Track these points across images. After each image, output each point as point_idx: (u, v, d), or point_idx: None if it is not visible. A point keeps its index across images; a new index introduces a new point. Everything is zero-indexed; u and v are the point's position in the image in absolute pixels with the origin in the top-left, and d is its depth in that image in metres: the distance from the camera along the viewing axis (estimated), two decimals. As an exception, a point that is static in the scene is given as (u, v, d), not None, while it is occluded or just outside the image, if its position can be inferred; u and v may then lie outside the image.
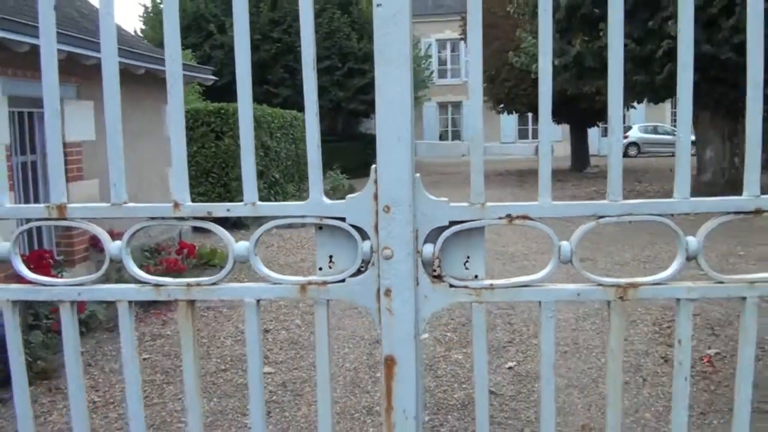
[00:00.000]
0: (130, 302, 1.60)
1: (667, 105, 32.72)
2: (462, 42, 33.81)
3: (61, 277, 4.64)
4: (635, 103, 18.67)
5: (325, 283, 1.56)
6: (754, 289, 1.55)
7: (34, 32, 5.66)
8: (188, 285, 1.59)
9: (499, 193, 17.14)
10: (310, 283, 1.57)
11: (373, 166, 1.48)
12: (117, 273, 5.10)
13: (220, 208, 1.56)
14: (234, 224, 9.92)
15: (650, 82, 12.59)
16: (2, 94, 5.96)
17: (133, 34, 14.64)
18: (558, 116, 24.03)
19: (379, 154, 1.47)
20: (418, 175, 1.50)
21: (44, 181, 6.92)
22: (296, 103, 19.31)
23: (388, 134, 1.46)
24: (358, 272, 1.54)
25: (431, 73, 31.95)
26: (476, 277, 1.54)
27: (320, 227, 1.55)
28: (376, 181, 1.48)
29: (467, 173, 1.54)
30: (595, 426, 3.98)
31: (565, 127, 27.21)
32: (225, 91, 16.21)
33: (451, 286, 1.53)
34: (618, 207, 1.49)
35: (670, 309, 5.79)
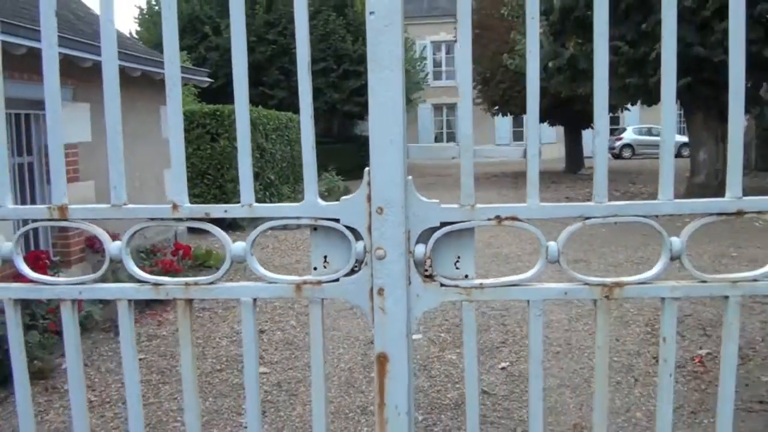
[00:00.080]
0: (129, 301, 1.64)
1: (661, 107, 32.87)
2: (457, 44, 33.88)
3: (58, 277, 4.68)
4: (629, 105, 18.75)
5: (319, 282, 1.60)
6: (736, 288, 1.59)
7: (31, 35, 5.70)
8: (186, 284, 1.63)
9: (493, 194, 17.19)
10: (305, 282, 1.61)
11: (367, 168, 1.52)
12: (113, 275, 5.14)
13: (218, 210, 1.61)
14: (229, 225, 9.96)
15: (644, 84, 12.66)
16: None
17: (128, 35, 14.66)
18: (552, 118, 24.16)
19: (372, 157, 1.51)
20: (410, 177, 1.54)
21: (41, 182, 6.94)
22: (291, 104, 19.35)
23: (381, 138, 1.51)
24: (352, 272, 1.58)
25: (426, 75, 32.01)
26: (466, 276, 1.58)
27: (315, 228, 1.60)
28: (369, 184, 1.52)
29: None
30: (586, 425, 4.02)
31: (560, 129, 27.34)
32: (220, 92, 16.27)
33: (442, 285, 1.58)
34: (604, 208, 1.54)
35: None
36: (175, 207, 1.60)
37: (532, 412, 1.64)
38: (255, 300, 1.62)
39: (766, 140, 20.35)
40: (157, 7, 24.11)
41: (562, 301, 5.69)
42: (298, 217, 1.59)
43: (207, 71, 12.39)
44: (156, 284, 1.64)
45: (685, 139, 22.75)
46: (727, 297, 1.59)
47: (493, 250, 9.67)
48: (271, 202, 13.19)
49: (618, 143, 32.06)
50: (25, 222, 1.71)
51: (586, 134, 26.60)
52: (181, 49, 19.00)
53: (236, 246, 1.59)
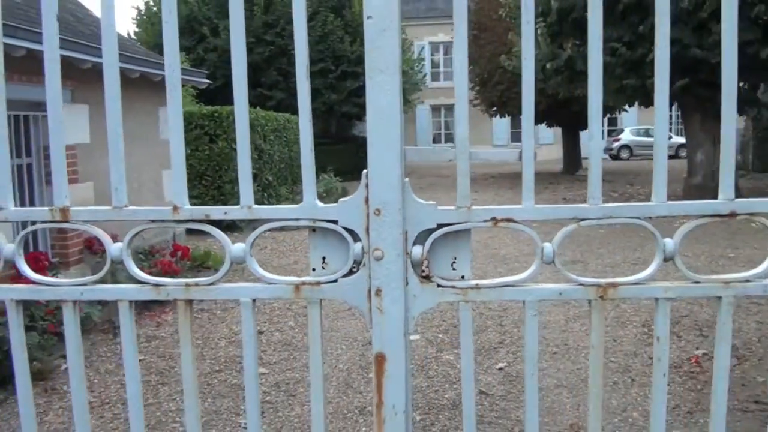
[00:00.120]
0: (130, 302, 1.66)
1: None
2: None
3: (57, 278, 4.69)
4: (627, 107, 18.79)
5: (318, 283, 1.62)
6: (729, 289, 1.61)
7: (30, 36, 5.72)
8: (187, 285, 1.65)
9: (490, 195, 17.22)
10: (303, 283, 1.63)
11: (364, 171, 1.54)
12: (112, 276, 5.16)
13: (218, 211, 1.63)
14: (228, 227, 9.97)
15: (641, 85, 12.70)
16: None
17: (126, 36, 14.67)
18: (550, 119, 24.21)
19: (370, 159, 1.53)
20: (407, 179, 1.56)
21: (39, 184, 6.96)
22: (289, 105, 19.37)
23: (379, 141, 1.53)
24: (350, 273, 1.60)
25: (424, 76, 32.04)
26: (463, 277, 1.61)
27: (314, 230, 1.62)
28: (367, 186, 1.54)
29: (460, 176, 1.61)
30: (583, 425, 4.05)
31: (557, 130, 27.39)
32: (218, 93, 16.32)
33: (439, 285, 1.60)
34: (598, 210, 1.56)
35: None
36: (175, 209, 1.62)
37: (528, 411, 1.66)
38: (254, 301, 1.64)
39: (763, 141, 20.40)
40: (155, 8, 24.14)
41: (557, 302, 5.72)
42: (296, 219, 1.61)
43: (205, 72, 12.42)
44: (156, 285, 1.65)
45: (682, 140, 22.81)
46: (720, 297, 1.61)
47: (491, 251, 9.70)
48: (269, 203, 13.25)
49: (616, 144, 32.13)
50: (25, 224, 1.73)
51: (584, 135, 26.63)
52: (180, 50, 18.95)
53: (236, 247, 1.61)
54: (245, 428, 4.10)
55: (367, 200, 1.55)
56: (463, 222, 1.57)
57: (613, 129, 33.61)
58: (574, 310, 6.31)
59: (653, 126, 1.63)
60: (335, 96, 23.36)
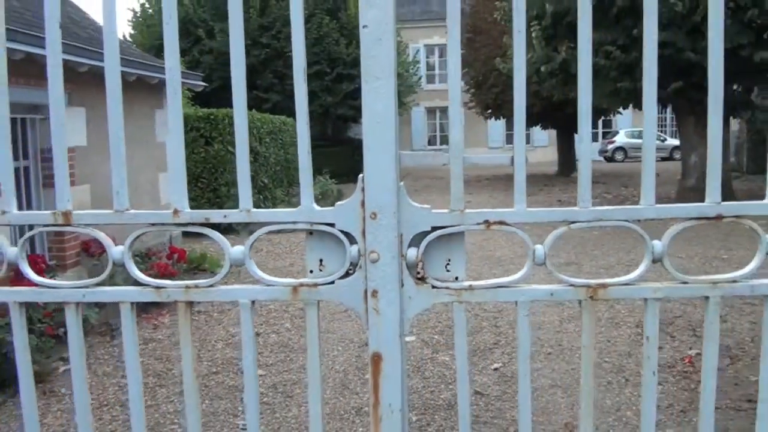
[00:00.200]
0: (132, 303, 1.69)
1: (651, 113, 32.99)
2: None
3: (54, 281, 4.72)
4: (621, 109, 18.86)
5: (315, 284, 1.66)
6: (716, 289, 1.66)
7: (28, 39, 5.74)
8: (187, 287, 1.69)
9: (485, 198, 17.26)
10: (301, 284, 1.67)
11: (361, 175, 1.58)
12: (109, 279, 5.18)
13: (218, 215, 1.66)
14: (224, 230, 9.95)
15: (635, 88, 12.75)
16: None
17: (122, 39, 14.71)
18: (545, 121, 24.27)
19: (366, 163, 1.57)
20: (402, 183, 1.60)
21: (36, 186, 6.99)
22: (286, 108, 19.39)
23: (374, 145, 1.57)
24: (347, 274, 1.64)
25: (419, 78, 32.11)
26: (457, 278, 1.65)
27: (311, 232, 1.66)
28: (363, 190, 1.58)
29: (454, 179, 1.65)
30: (577, 425, 4.08)
31: (552, 133, 27.46)
32: (214, 96, 16.30)
33: (434, 287, 1.64)
34: (588, 213, 1.60)
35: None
36: (176, 212, 1.66)
37: (521, 409, 1.70)
38: (253, 302, 1.68)
39: (757, 144, 20.48)
40: (150, 11, 24.16)
41: (549, 302, 5.76)
42: (294, 222, 1.64)
43: (201, 75, 12.44)
44: (157, 287, 1.69)
45: (677, 142, 22.91)
46: (707, 298, 1.66)
47: (486, 253, 9.75)
48: (265, 205, 13.27)
49: (610, 146, 32.23)
50: (25, 227, 1.75)
51: (578, 138, 26.72)
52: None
53: (235, 250, 1.65)
54: (243, 429, 4.13)
55: (363, 204, 1.59)
56: (456, 225, 1.61)
57: (607, 131, 33.71)
58: (569, 311, 6.36)
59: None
60: (331, 98, 23.40)
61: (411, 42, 33.83)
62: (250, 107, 16.90)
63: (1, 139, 1.69)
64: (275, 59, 22.43)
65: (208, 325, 6.48)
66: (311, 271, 1.68)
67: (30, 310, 5.08)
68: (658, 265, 1.64)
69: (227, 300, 1.72)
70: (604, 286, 1.63)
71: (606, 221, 1.62)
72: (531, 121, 23.77)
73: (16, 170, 6.71)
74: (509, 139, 35.61)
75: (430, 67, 36.89)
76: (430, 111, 36.52)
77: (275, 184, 15.14)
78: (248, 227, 1.60)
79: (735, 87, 13.98)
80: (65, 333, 5.47)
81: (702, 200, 1.64)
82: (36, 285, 1.72)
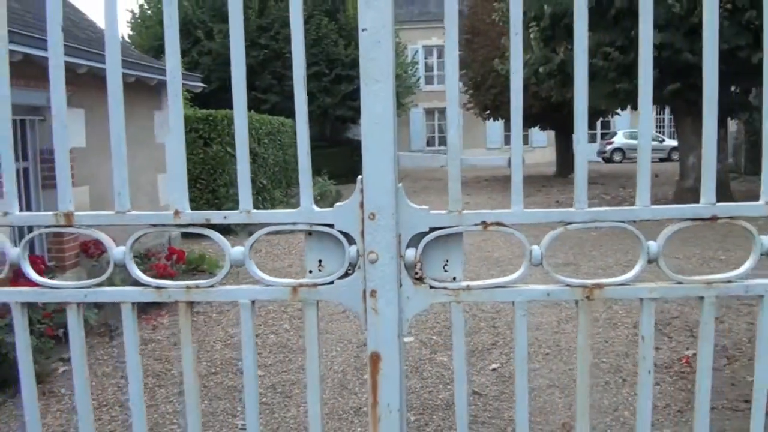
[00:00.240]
0: (133, 303, 1.71)
1: (651, 111, 33.05)
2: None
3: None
4: (619, 110, 18.89)
5: (315, 285, 1.68)
6: (711, 289, 1.68)
7: (26, 41, 5.76)
8: (188, 287, 1.70)
9: (483, 199, 17.28)
10: (301, 285, 1.68)
11: (359, 177, 1.60)
12: (107, 280, 5.19)
13: (218, 216, 1.68)
14: (222, 230, 9.98)
15: (634, 89, 12.75)
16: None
17: (120, 40, 14.69)
18: (543, 122, 24.31)
19: (365, 165, 1.59)
20: (400, 185, 1.62)
21: (36, 188, 7.00)
22: (284, 109, 19.40)
23: (373, 146, 1.59)
24: (346, 275, 1.66)
25: (418, 79, 32.12)
26: (454, 278, 1.66)
27: (310, 233, 1.68)
28: (362, 191, 1.60)
29: (452, 180, 1.67)
30: (575, 424, 4.11)
31: (551, 133, 27.48)
32: (212, 97, 16.31)
33: (432, 287, 1.65)
34: (584, 214, 1.62)
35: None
36: (177, 213, 1.67)
37: (519, 407, 1.72)
38: (254, 302, 1.70)
39: (755, 145, 20.51)
40: (149, 12, 24.17)
41: (545, 303, 5.78)
42: (294, 223, 1.66)
43: (200, 76, 12.45)
44: (158, 287, 1.71)
45: (675, 143, 22.94)
46: (702, 298, 1.68)
47: (484, 254, 9.77)
48: (263, 206, 13.28)
49: (609, 147, 32.26)
50: (25, 228, 1.77)
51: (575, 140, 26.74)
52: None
53: (235, 250, 1.66)
54: (242, 429, 4.15)
55: (362, 205, 1.61)
56: (454, 226, 1.63)
57: (606, 132, 33.74)
58: (567, 312, 6.38)
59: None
60: (329, 99, 23.41)
61: (409, 43, 33.85)
62: (248, 108, 17.01)
63: (3, 141, 1.71)
64: (274, 60, 22.44)
65: (206, 326, 6.50)
66: (310, 272, 1.69)
67: (29, 311, 5.10)
68: (654, 266, 1.66)
69: (228, 300, 1.74)
70: (600, 286, 1.65)
71: (602, 222, 1.64)
72: (529, 122, 23.80)
73: (16, 172, 6.72)
74: (508, 140, 35.53)
75: (428, 68, 36.92)
76: (429, 112, 36.55)
77: (274, 185, 15.15)
78: (246, 228, 1.62)
79: (733, 88, 14.01)
80: (64, 334, 5.50)
81: (699, 201, 1.66)
82: (38, 285, 1.73)
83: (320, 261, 1.69)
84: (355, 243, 1.63)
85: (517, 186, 1.63)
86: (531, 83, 15.18)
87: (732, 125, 20.10)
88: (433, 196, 17.13)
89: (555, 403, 4.46)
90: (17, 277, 1.75)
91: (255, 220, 1.67)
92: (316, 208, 1.65)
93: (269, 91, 22.54)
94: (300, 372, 5.13)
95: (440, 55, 36.55)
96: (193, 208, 1.69)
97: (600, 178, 22.07)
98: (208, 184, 12.41)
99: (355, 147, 23.10)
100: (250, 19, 22.17)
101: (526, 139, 33.48)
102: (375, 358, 1.66)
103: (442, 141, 36.37)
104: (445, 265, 1.66)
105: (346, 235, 1.63)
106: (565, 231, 1.63)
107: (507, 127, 34.79)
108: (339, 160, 21.83)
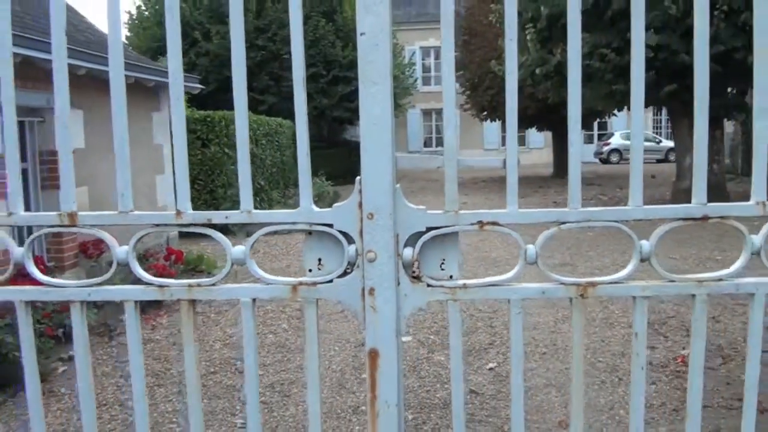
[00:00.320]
0: (136, 302, 1.74)
1: (648, 113, 33.14)
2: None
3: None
4: (616, 111, 18.93)
5: (314, 283, 1.71)
6: (702, 288, 1.71)
7: (26, 43, 5.79)
8: (189, 285, 1.73)
9: (480, 199, 17.31)
10: (300, 283, 1.72)
11: (358, 177, 1.63)
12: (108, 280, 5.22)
13: (219, 216, 1.71)
14: (220, 231, 10.01)
15: (629, 91, 12.83)
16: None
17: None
18: (540, 123, 24.33)
19: (363, 166, 1.62)
20: (398, 185, 1.65)
21: (35, 188, 7.02)
22: (281, 110, 19.43)
23: (372, 148, 1.62)
24: (345, 273, 1.69)
25: (415, 80, 32.16)
26: (451, 277, 1.70)
27: (309, 233, 1.71)
28: (360, 191, 1.63)
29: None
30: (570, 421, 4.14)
31: (548, 134, 27.51)
32: (210, 98, 16.35)
33: (429, 285, 1.69)
34: (578, 214, 1.66)
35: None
36: (178, 213, 1.71)
37: (514, 404, 1.75)
38: (254, 300, 1.73)
39: (752, 146, 20.56)
40: (146, 13, 24.18)
41: (541, 301, 5.82)
42: (294, 223, 1.69)
43: (198, 77, 12.47)
44: (161, 286, 1.74)
45: (672, 144, 22.99)
46: (693, 296, 1.71)
47: (482, 254, 9.81)
48: (261, 207, 13.28)
49: (606, 148, 32.30)
50: (26, 228, 1.80)
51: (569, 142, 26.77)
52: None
53: (236, 249, 1.69)
54: (241, 428, 4.18)
55: (360, 205, 1.64)
56: (450, 225, 1.66)
57: (602, 133, 33.79)
58: (563, 312, 6.41)
59: (644, 131, 1.73)
60: (327, 100, 23.43)
61: (407, 44, 33.90)
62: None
63: (9, 141, 1.74)
64: (271, 61, 22.44)
65: (205, 326, 6.52)
66: (310, 270, 1.72)
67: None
68: (649, 266, 1.69)
69: (229, 298, 1.77)
70: (593, 284, 1.68)
71: (595, 222, 1.67)
72: (526, 123, 23.84)
73: (15, 172, 6.74)
74: (505, 141, 35.65)
75: (426, 69, 36.98)
76: (426, 113, 36.60)
77: (271, 186, 15.18)
78: (244, 228, 1.65)
79: (729, 89, 14.05)
80: (64, 333, 5.52)
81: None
82: (41, 284, 1.76)
83: (320, 260, 1.72)
84: (353, 242, 1.66)
85: (512, 186, 1.66)
86: (528, 84, 15.21)
87: (729, 126, 20.17)
88: (430, 197, 17.17)
89: (552, 401, 4.50)
90: (18, 276, 1.77)
91: (256, 220, 1.70)
92: (316, 209, 1.68)
93: (267, 92, 22.54)
94: (298, 371, 5.16)
95: (437, 56, 36.59)
96: (192, 209, 1.72)
97: (597, 179, 22.12)
98: (206, 185, 12.44)
99: (353, 148, 23.16)
100: (247, 20, 22.15)
101: (523, 141, 33.52)
102: (373, 355, 1.69)
103: (440, 142, 36.50)
104: (442, 263, 1.69)
105: (345, 234, 1.67)
106: (559, 231, 1.67)
107: (504, 128, 34.84)
108: (336, 161, 21.85)
